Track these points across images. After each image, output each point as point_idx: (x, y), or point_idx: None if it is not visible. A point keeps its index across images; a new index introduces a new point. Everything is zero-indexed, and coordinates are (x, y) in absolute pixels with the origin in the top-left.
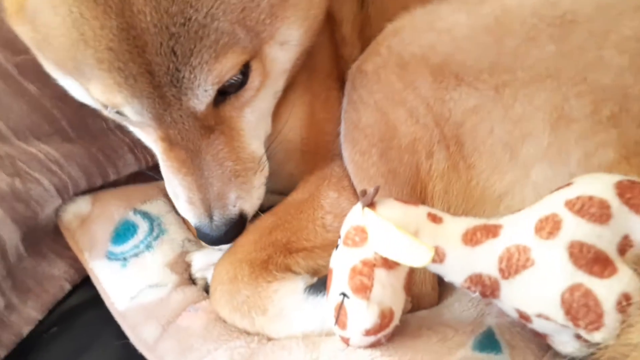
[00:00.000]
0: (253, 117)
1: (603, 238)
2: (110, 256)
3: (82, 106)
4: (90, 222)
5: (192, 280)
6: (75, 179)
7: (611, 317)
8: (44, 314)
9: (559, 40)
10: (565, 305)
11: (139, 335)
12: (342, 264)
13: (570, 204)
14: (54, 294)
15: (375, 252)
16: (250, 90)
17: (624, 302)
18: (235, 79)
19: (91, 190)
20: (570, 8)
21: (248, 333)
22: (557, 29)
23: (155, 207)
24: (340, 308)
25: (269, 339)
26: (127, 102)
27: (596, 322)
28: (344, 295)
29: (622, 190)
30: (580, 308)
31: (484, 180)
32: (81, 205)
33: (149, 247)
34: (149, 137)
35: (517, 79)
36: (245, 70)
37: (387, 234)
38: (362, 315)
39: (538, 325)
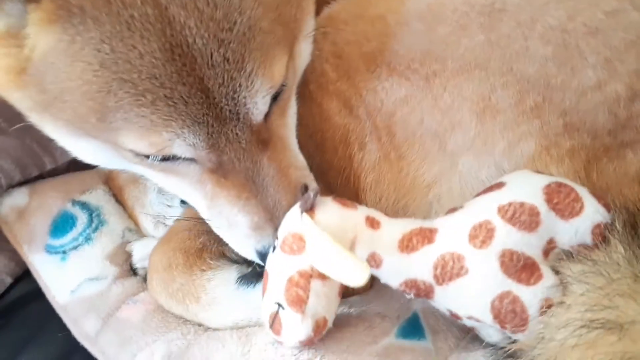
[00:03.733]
0: (292, 122)
1: (531, 244)
2: (50, 249)
3: None
4: (28, 215)
5: (132, 271)
6: (7, 172)
7: (535, 321)
8: None
9: (488, 30)
10: (494, 311)
11: (80, 328)
12: (278, 271)
13: (502, 211)
14: None
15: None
16: (287, 92)
17: (545, 306)
18: (285, 82)
19: (28, 181)
20: None
21: (185, 323)
22: (487, 18)
23: (95, 197)
24: (275, 317)
25: (205, 330)
26: (177, 135)
27: (521, 325)
28: (280, 305)
29: (550, 195)
30: (507, 314)
31: (414, 170)
32: (18, 198)
33: (88, 239)
34: (191, 180)
35: (447, 68)
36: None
37: (325, 250)
38: (297, 328)
39: (467, 322)
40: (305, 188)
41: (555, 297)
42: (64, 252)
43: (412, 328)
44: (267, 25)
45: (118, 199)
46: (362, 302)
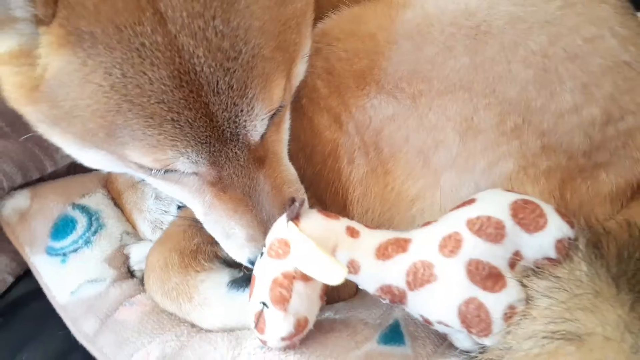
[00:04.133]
0: (286, 136)
1: (497, 255)
2: (50, 251)
3: None
4: (29, 217)
5: (130, 273)
6: (9, 175)
7: (498, 326)
8: None
9: (473, 52)
10: (461, 316)
11: (79, 328)
12: (264, 273)
13: (470, 224)
14: None
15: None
16: (283, 111)
17: (509, 313)
18: (282, 103)
19: (29, 183)
20: (486, 19)
21: (178, 325)
22: (473, 41)
23: (94, 201)
24: (260, 316)
25: (198, 332)
26: (181, 154)
27: (486, 330)
28: (264, 304)
29: (516, 210)
30: (473, 318)
31: (399, 185)
32: (20, 200)
33: (87, 242)
34: (190, 189)
35: (433, 88)
36: None
37: (307, 252)
38: (279, 325)
39: (439, 328)
40: (293, 200)
41: (519, 308)
42: (64, 254)
43: (393, 334)
44: (268, 53)
45: (116, 202)
46: (346, 308)
